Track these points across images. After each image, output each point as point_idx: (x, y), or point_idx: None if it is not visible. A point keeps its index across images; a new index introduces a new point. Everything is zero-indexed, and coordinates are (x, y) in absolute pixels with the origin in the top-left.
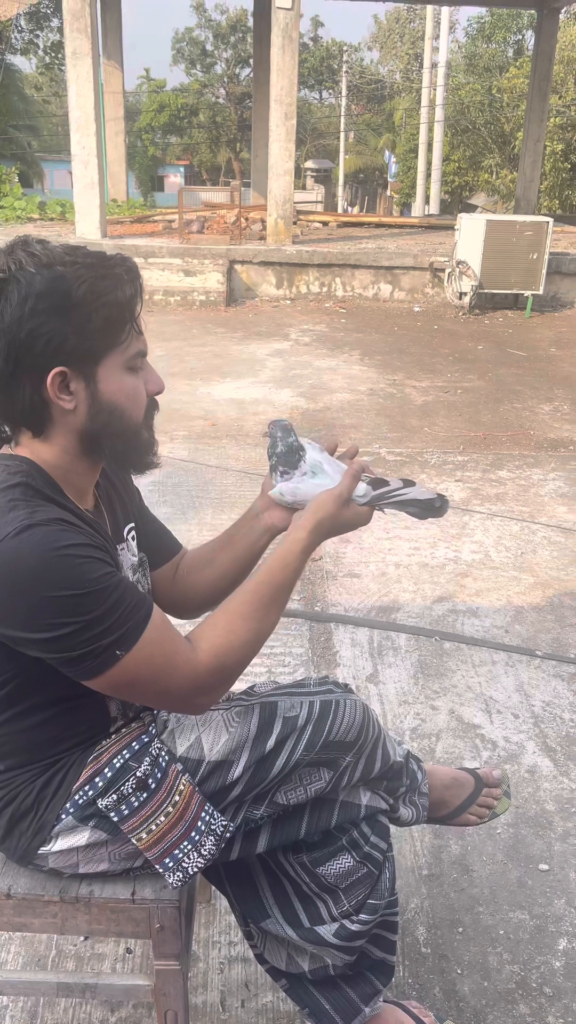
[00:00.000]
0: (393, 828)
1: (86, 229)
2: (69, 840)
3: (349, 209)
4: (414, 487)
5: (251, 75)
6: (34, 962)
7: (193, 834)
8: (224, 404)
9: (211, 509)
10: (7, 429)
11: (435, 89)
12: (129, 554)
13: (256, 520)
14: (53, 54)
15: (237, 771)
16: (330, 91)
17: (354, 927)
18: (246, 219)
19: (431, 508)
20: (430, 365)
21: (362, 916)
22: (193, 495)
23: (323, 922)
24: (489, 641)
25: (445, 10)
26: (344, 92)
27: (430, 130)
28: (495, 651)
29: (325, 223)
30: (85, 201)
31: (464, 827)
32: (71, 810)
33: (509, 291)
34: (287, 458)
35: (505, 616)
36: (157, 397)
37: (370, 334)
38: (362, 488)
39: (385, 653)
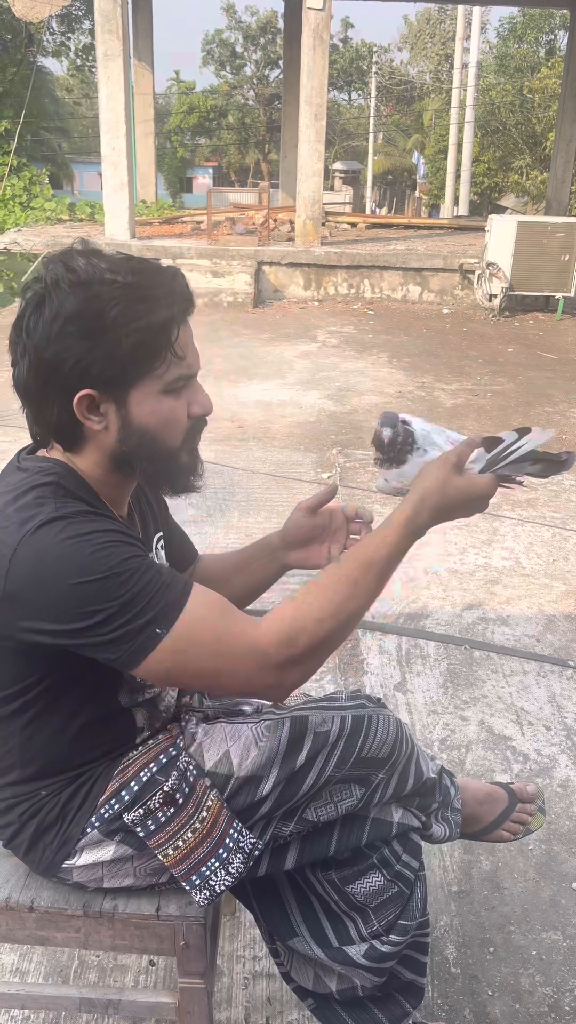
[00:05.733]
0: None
1: (115, 230)
2: (94, 854)
3: (377, 210)
4: (529, 432)
5: (280, 76)
6: (56, 972)
7: (221, 851)
8: (251, 406)
9: (237, 512)
10: (41, 432)
11: (465, 90)
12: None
13: (272, 558)
14: (84, 56)
15: (266, 787)
16: (359, 92)
17: (384, 948)
18: (274, 220)
19: (557, 464)
20: (459, 367)
21: (392, 937)
22: (219, 497)
23: (352, 942)
24: (520, 651)
25: (476, 10)
26: (373, 93)
27: (460, 131)
28: (526, 661)
29: (353, 224)
30: (114, 202)
31: (496, 843)
32: (96, 824)
33: (540, 293)
34: (406, 445)
35: (536, 625)
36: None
37: (398, 336)
38: (475, 454)
39: (413, 661)
